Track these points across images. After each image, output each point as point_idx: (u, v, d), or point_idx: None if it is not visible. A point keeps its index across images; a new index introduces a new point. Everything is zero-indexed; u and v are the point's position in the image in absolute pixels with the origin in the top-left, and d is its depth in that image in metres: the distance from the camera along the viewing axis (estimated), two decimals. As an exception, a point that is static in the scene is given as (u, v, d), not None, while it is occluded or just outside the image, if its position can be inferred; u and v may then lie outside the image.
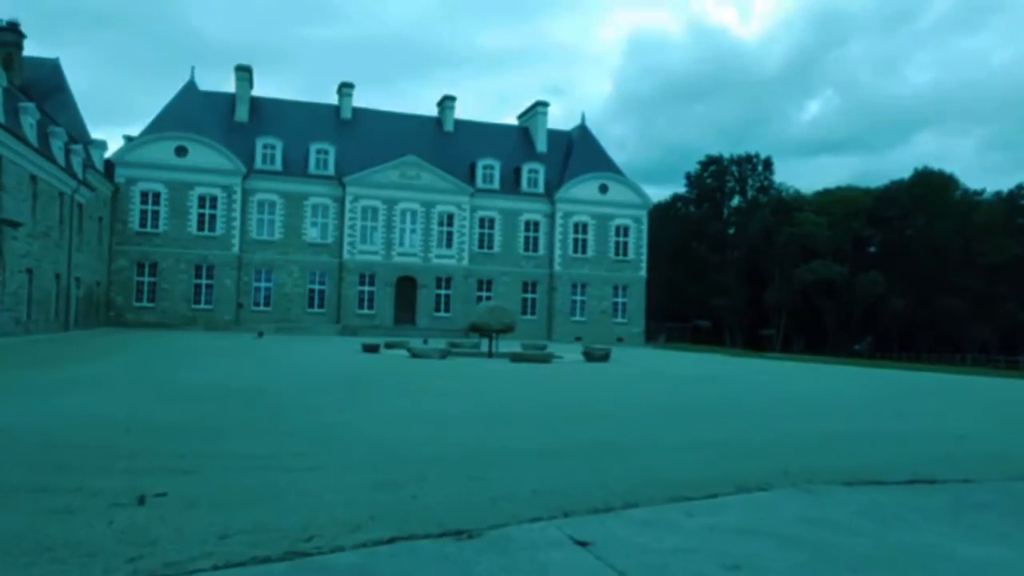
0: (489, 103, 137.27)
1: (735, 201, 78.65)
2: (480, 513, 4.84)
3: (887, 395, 16.94)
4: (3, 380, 13.05)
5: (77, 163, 35.62)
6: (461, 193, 48.71)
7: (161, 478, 5.63)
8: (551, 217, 50.89)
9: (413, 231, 48.25)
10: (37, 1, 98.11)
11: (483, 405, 11.65)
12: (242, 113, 49.14)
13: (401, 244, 47.95)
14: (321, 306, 46.98)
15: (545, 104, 54.89)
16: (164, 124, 45.04)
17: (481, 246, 49.67)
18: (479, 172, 49.88)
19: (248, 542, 4.19)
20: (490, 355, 27.09)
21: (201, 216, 44.90)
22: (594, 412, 11.35)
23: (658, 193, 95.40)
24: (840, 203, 75.32)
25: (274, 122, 48.73)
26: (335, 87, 52.95)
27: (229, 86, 50.24)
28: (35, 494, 5.05)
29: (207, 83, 50.68)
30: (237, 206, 45.42)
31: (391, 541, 4.24)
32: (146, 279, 44.01)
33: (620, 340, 49.51)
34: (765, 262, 72.85)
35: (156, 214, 44.24)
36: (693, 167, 78.93)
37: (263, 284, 46.35)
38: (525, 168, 50.86)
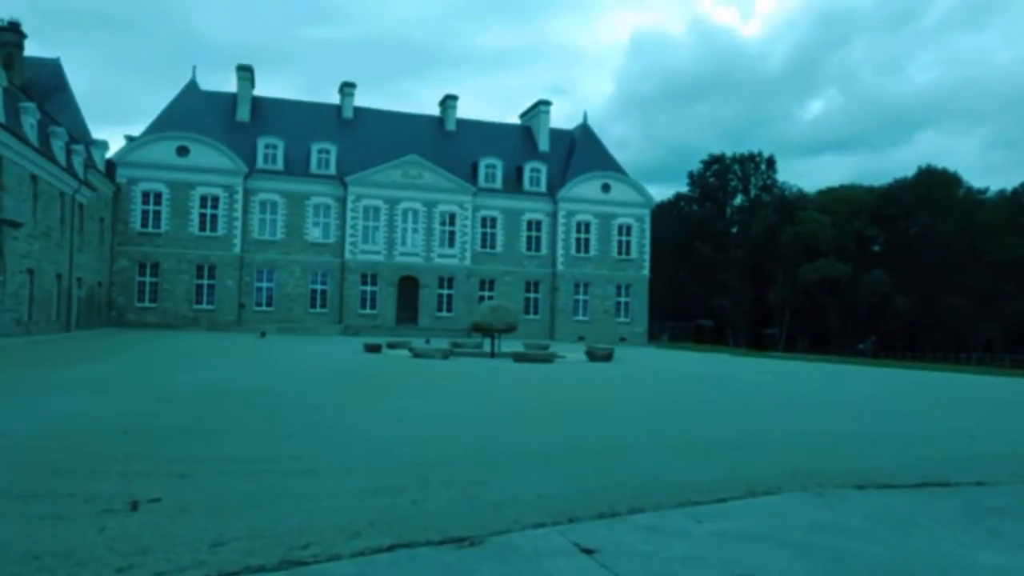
0: (491, 103, 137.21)
1: (738, 200, 78.52)
2: (482, 519, 4.70)
3: (893, 395, 16.78)
4: (0, 381, 12.94)
5: (78, 163, 35.53)
6: (463, 192, 48.58)
7: (156, 482, 5.50)
8: (553, 216, 50.74)
9: (415, 231, 48.13)
10: (39, 1, 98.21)
11: (485, 406, 11.51)
12: (243, 113, 49.05)
13: (403, 244, 47.84)
14: (323, 306, 46.88)
15: (547, 103, 54.73)
16: (165, 124, 44.96)
17: (483, 245, 49.55)
18: (481, 171, 49.75)
19: (242, 550, 4.05)
20: (492, 355, 26.95)
21: (203, 216, 44.82)
22: (598, 413, 11.20)
23: (660, 192, 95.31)
24: (843, 202, 75.13)
25: (276, 122, 48.64)
26: (336, 87, 52.95)
27: (230, 86, 50.26)
28: (25, 500, 4.92)
29: (209, 83, 50.63)
30: (239, 206, 45.34)
31: (390, 549, 4.10)
32: (148, 279, 43.94)
33: (623, 340, 49.37)
34: (768, 261, 72.68)
35: (157, 214, 44.17)
36: (695, 166, 78.91)
37: (265, 284, 46.27)
38: (527, 167, 50.72)
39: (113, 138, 67.99)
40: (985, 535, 4.71)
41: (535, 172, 50.87)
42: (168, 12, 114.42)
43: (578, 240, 51.00)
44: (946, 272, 70.05)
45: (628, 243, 51.94)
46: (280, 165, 46.46)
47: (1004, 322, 70.09)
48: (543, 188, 50.78)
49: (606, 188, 51.56)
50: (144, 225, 43.96)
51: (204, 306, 44.68)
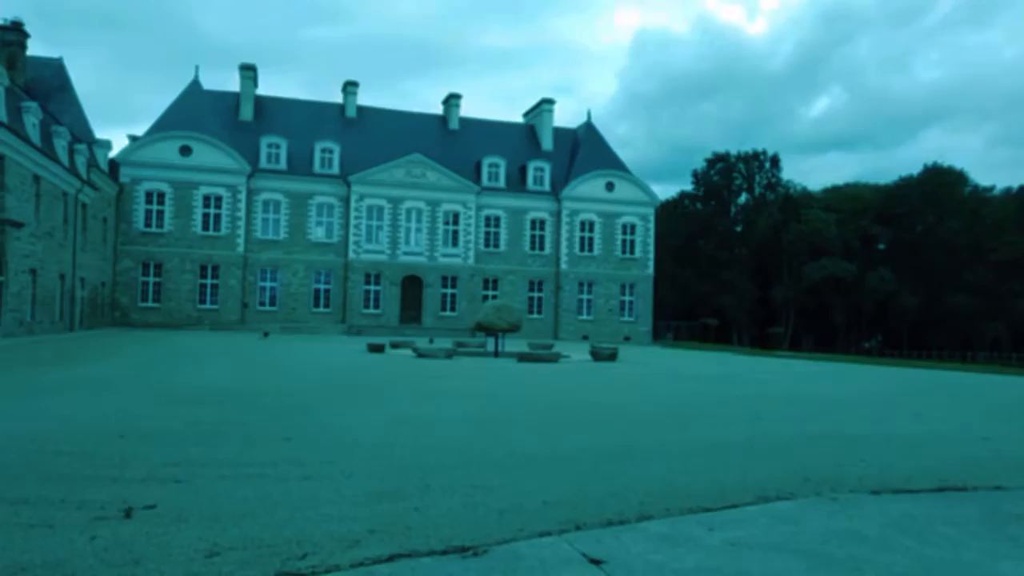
0: (494, 102, 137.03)
1: (742, 198, 78.18)
2: (486, 527, 4.55)
3: (901, 394, 16.58)
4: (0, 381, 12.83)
5: (81, 163, 35.44)
6: (467, 191, 48.42)
7: (151, 488, 5.35)
8: (557, 215, 50.55)
9: (419, 230, 47.98)
10: (42, 2, 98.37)
11: (489, 407, 11.34)
12: (246, 112, 48.93)
13: (407, 243, 47.70)
14: (327, 306, 46.77)
15: (551, 102, 54.52)
16: (168, 123, 44.86)
17: (487, 245, 49.39)
18: (485, 170, 49.58)
19: (237, 560, 3.90)
20: (496, 355, 26.81)
21: (206, 216, 44.72)
22: (603, 414, 11.04)
23: (664, 191, 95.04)
24: (848, 200, 74.84)
25: (279, 121, 48.53)
26: (339, 86, 52.76)
27: (233, 85, 50.11)
28: (15, 506, 4.77)
29: (211, 83, 50.56)
30: (242, 205, 45.24)
31: (391, 559, 3.95)
32: (151, 279, 43.86)
33: (627, 339, 49.20)
34: (773, 260, 72.41)
35: (161, 214, 44.08)
36: (699, 165, 78.56)
37: (268, 284, 46.16)
38: (531, 166, 50.53)
39: (117, 138, 68.20)
40: (1007, 543, 4.54)
41: (539, 171, 50.68)
42: (171, 12, 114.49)
43: (582, 239, 50.81)
44: (952, 270, 69.73)
45: (632, 242, 51.73)
46: (283, 164, 46.34)
47: (1010, 320, 69.73)
48: (547, 187, 50.59)
49: (610, 187, 51.35)
50: (147, 225, 43.87)
51: (207, 306, 44.58)
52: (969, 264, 69.29)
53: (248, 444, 7.34)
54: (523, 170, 50.53)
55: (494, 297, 46.45)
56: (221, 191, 44.94)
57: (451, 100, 54.05)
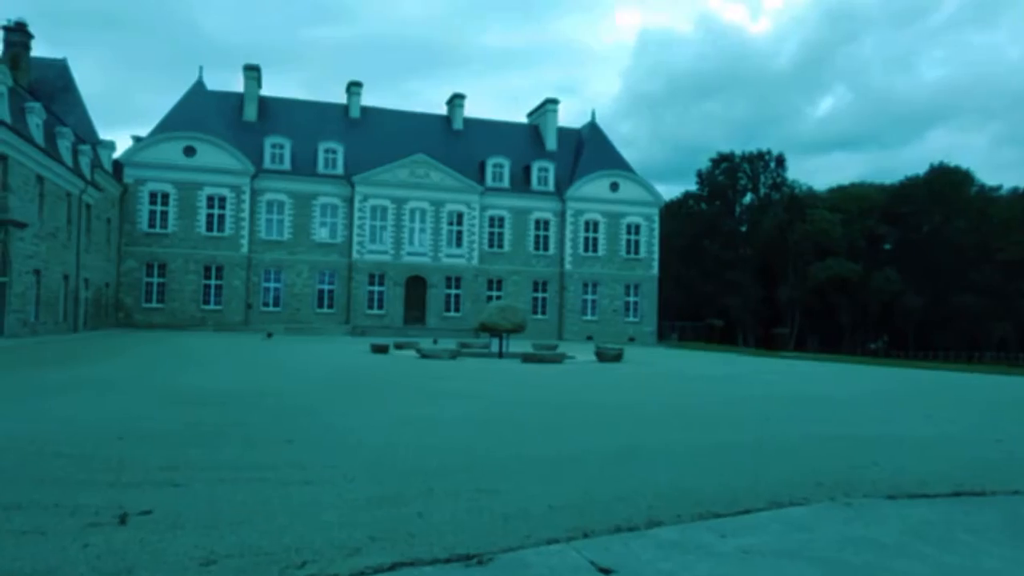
0: (498, 102, 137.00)
1: (747, 198, 77.86)
2: (491, 534, 4.41)
3: (909, 395, 16.40)
4: (1, 382, 12.73)
5: (85, 163, 35.43)
6: (471, 192, 48.31)
7: (148, 492, 5.23)
8: (561, 215, 50.41)
9: (423, 230, 47.88)
10: (46, 3, 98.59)
11: (493, 408, 11.21)
12: (250, 112, 48.90)
13: (411, 243, 47.60)
14: (331, 306, 46.69)
15: (555, 102, 54.39)
16: (172, 124, 44.85)
17: (491, 245, 49.27)
18: (489, 170, 49.46)
19: (234, 568, 3.78)
20: (500, 355, 26.68)
21: (210, 216, 44.68)
22: (609, 415, 10.90)
23: (668, 191, 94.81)
24: (854, 200, 74.48)
25: (282, 121, 48.48)
26: (343, 86, 52.70)
27: (237, 86, 50.08)
28: (7, 512, 4.65)
29: (215, 83, 50.57)
30: (246, 206, 45.19)
31: (393, 568, 3.82)
32: (155, 280, 43.83)
33: (632, 339, 49.03)
34: (778, 260, 72.13)
35: (165, 214, 44.05)
36: (704, 165, 78.28)
37: (272, 284, 46.10)
38: (535, 166, 50.40)
39: (121, 139, 68.28)
40: (1030, 551, 4.39)
41: (543, 171, 50.54)
42: (175, 13, 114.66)
43: (586, 239, 50.65)
44: (958, 270, 69.36)
45: (637, 242, 51.56)
46: (287, 165, 46.29)
47: (1017, 320, 69.37)
48: (551, 187, 50.45)
49: (614, 187, 51.18)
50: (151, 225, 43.84)
51: (211, 307, 44.55)
52: (976, 264, 68.89)
53: (249, 446, 7.22)
54: (527, 170, 50.40)
55: (498, 298, 46.31)
56: (225, 192, 44.90)
57: (455, 100, 53.95)
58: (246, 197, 45.23)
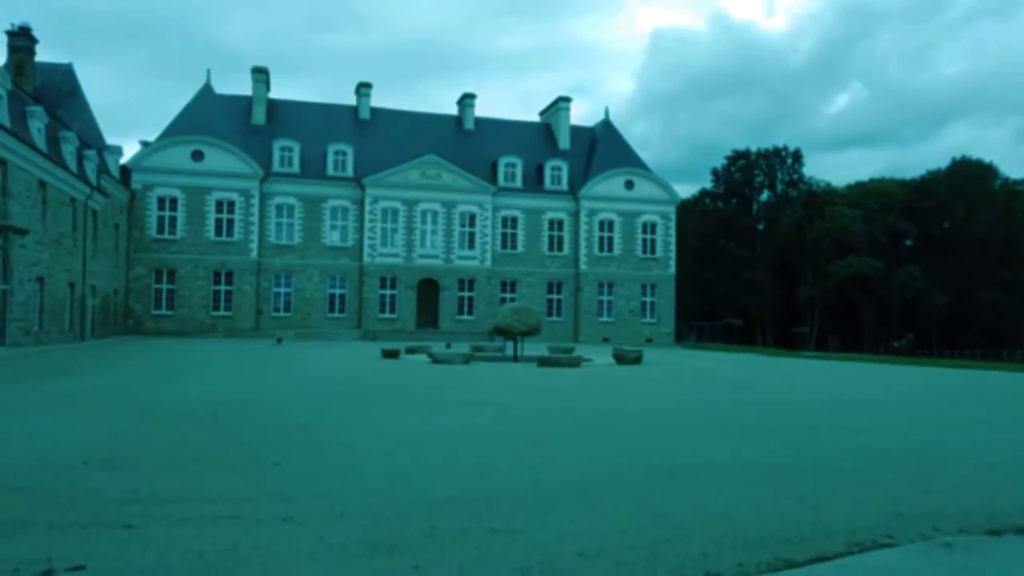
0: (510, 105, 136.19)
1: (764, 196, 76.48)
2: (507, 597, 3.46)
3: (957, 397, 15.29)
4: (-16, 397, 11.93)
5: (90, 169, 34.81)
6: (483, 192, 47.40)
7: (91, 538, 4.32)
8: (575, 215, 49.38)
9: (434, 232, 47.01)
10: (55, 11, 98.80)
11: (508, 421, 10.24)
12: (259, 116, 48.24)
13: (422, 246, 46.73)
14: (342, 311, 45.91)
15: (567, 100, 53.39)
16: (180, 128, 44.25)
17: (504, 246, 48.32)
18: (501, 170, 48.53)
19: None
20: (515, 359, 25.73)
21: (219, 221, 44.01)
22: (637, 427, 9.90)
23: (683, 191, 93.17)
24: (874, 195, 72.94)
25: (291, 124, 47.79)
26: (353, 90, 51.90)
27: (247, 91, 49.36)
28: (-94, 570, 3.76)
29: (225, 89, 49.67)
30: (255, 210, 44.51)
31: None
32: (164, 286, 43.21)
33: (649, 340, 47.90)
34: (797, 258, 70.70)
35: (173, 220, 43.44)
36: (718, 163, 77.09)
37: (283, 289, 45.38)
38: (548, 165, 49.42)
39: (132, 146, 67.60)
40: None
41: (556, 170, 49.55)
42: (186, 21, 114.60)
43: (601, 239, 49.57)
44: (983, 266, 67.65)
45: (653, 241, 50.43)
46: (296, 168, 45.58)
47: (1045, 317, 67.52)
48: (564, 186, 49.44)
49: (629, 185, 50.09)
50: (160, 231, 43.23)
51: (221, 313, 43.88)
52: (1001, 259, 67.16)
53: (229, 471, 6.30)
54: (540, 170, 49.44)
55: (512, 300, 45.32)
56: (234, 196, 44.23)
57: (465, 100, 53.07)
58: (255, 201, 44.54)
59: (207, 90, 46.81)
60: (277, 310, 45.03)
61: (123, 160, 42.30)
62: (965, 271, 68.30)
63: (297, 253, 45.34)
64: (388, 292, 46.27)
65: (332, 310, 45.77)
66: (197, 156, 43.74)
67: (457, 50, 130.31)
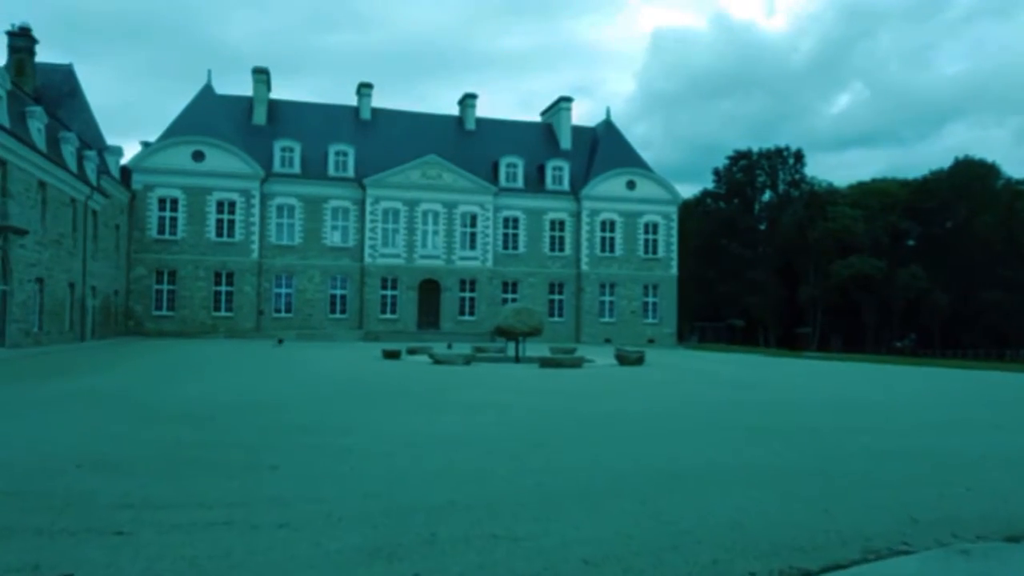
0: (511, 105, 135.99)
1: (766, 196, 76.30)
2: (510, 608, 3.33)
3: (961, 397, 15.13)
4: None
5: (91, 169, 34.72)
6: (484, 192, 47.26)
7: (81, 544, 4.19)
8: (577, 215, 49.23)
9: (435, 233, 46.88)
10: (56, 11, 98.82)
11: (510, 422, 10.10)
12: (260, 116, 48.14)
13: (424, 246, 46.60)
14: (343, 311, 45.79)
15: (569, 99, 53.24)
16: (181, 129, 44.15)
17: (506, 247, 48.18)
18: (502, 170, 48.40)
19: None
20: (517, 360, 25.59)
21: (220, 221, 43.90)
22: (641, 428, 9.77)
23: (684, 191, 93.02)
24: (876, 195, 72.72)
25: (292, 124, 47.67)
26: (354, 91, 51.77)
27: (247, 91, 49.23)
28: None
29: (225, 90, 49.42)
30: (256, 211, 44.39)
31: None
32: (165, 287, 43.11)
33: (651, 341, 47.73)
34: (799, 258, 70.53)
35: (174, 220, 43.33)
36: (719, 163, 76.89)
37: (284, 290, 45.26)
38: (549, 165, 49.28)
39: (132, 147, 67.22)
40: None
41: (557, 170, 49.40)
42: (186, 21, 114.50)
43: (603, 239, 49.42)
44: (985, 266, 67.43)
45: (655, 241, 50.26)
46: (297, 168, 45.47)
47: (1049, 317, 67.26)
48: (566, 187, 49.30)
49: (631, 185, 49.94)
50: (161, 232, 43.12)
51: (222, 313, 43.76)
52: (1004, 259, 66.95)
53: (225, 475, 6.17)
54: (541, 170, 49.31)
55: (513, 300, 45.15)
56: (235, 196, 44.12)
57: (467, 100, 52.94)
58: (256, 202, 44.43)
59: (208, 90, 46.71)
60: (278, 311, 44.92)
61: (123, 161, 42.22)
62: (968, 271, 68.11)
63: (298, 254, 45.22)
64: (389, 293, 46.14)
65: (333, 311, 45.65)
66: (198, 156, 43.64)
67: (458, 50, 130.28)
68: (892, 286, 66.96)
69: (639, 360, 24.90)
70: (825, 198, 72.27)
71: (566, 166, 49.51)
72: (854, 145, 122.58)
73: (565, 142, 52.26)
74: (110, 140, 40.84)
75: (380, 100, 52.33)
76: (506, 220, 48.31)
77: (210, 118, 44.91)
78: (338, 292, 45.97)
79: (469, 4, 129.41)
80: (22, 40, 36.13)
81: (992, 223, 67.75)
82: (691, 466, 6.93)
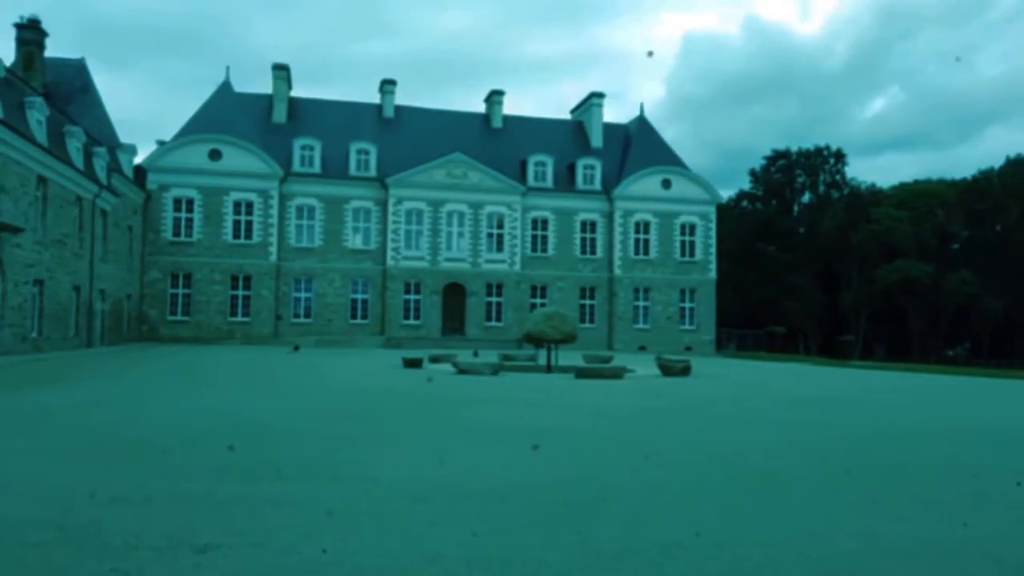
0: (538, 111, 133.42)
1: (805, 197, 73.16)
2: None
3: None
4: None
5: (100, 166, 33.06)
6: (512, 192, 45.01)
7: None
8: (609, 216, 46.78)
9: (461, 234, 44.70)
10: (78, 13, 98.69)
11: (550, 459, 7.75)
12: (280, 114, 46.41)
13: (448, 248, 44.45)
14: (364, 317, 43.76)
15: (600, 95, 50.88)
16: (197, 127, 42.52)
17: (534, 249, 45.84)
18: (530, 169, 46.12)
19: None
20: (549, 369, 23.27)
21: (237, 223, 42.15)
22: (727, 469, 7.38)
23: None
24: (922, 196, 69.24)
25: (313, 122, 45.86)
26: (376, 92, 49.90)
27: (267, 91, 47.46)
28: None
29: (244, 90, 47.60)
30: (274, 212, 42.59)
31: None
32: (180, 291, 41.42)
33: (688, 349, 45.04)
34: (841, 262, 67.30)
35: (190, 221, 41.65)
36: (753, 166, 73.88)
37: (303, 294, 43.37)
38: (580, 164, 46.90)
39: (150, 148, 65.53)
40: None
41: (588, 169, 47.00)
42: (212, 32, 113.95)
43: (637, 241, 46.88)
44: (1041, 270, 63.67)
45: (692, 243, 47.61)
46: (317, 167, 43.61)
47: (1109, 324, 63.34)
48: (597, 186, 46.88)
49: (666, 184, 47.39)
50: (176, 234, 41.45)
51: (239, 318, 41.95)
52: (1061, 263, 63.15)
53: (122, 557, 3.92)
54: (571, 169, 46.97)
55: (542, 305, 42.78)
56: (252, 196, 42.37)
57: (493, 97, 50.77)
58: (274, 202, 42.64)
59: (226, 88, 45.09)
60: (297, 316, 43.04)
61: (138, 160, 40.67)
62: (1020, 275, 64.39)
63: (318, 256, 43.33)
64: (412, 297, 44.05)
65: (354, 316, 43.66)
66: (215, 155, 41.98)
67: (484, 57, 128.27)
68: (940, 291, 63.47)
69: (685, 371, 22.46)
70: (868, 199, 69.03)
71: (598, 165, 47.11)
72: (889, 149, 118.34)
73: (596, 140, 49.89)
74: (127, 142, 39.19)
75: (404, 102, 50.29)
76: (534, 221, 46.02)
77: (228, 116, 43.24)
78: (359, 296, 43.99)
79: (496, 11, 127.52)
80: (31, 33, 34.75)
81: (1048, 225, 64.00)
82: (856, 549, 4.56)
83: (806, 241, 70.50)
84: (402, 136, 46.69)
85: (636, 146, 48.68)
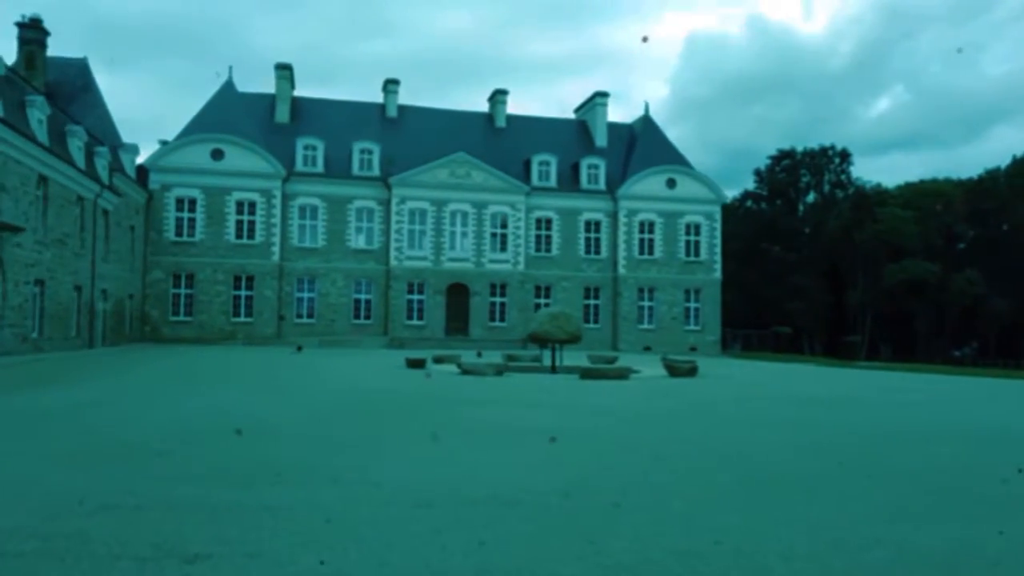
0: (542, 111, 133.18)
1: (810, 197, 72.77)
2: None
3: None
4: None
5: (102, 166, 32.88)
6: (515, 192, 44.76)
7: None
8: (614, 216, 46.48)
9: (464, 234, 44.46)
10: (80, 12, 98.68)
11: (559, 462, 7.50)
12: (282, 114, 46.20)
13: (452, 248, 44.20)
14: (367, 317, 43.52)
15: (605, 95, 50.61)
16: (200, 126, 42.33)
17: (538, 249, 45.58)
18: (534, 169, 45.86)
19: None
20: (554, 370, 22.99)
21: (239, 223, 41.94)
22: (747, 473, 7.11)
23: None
24: (928, 196, 68.77)
25: (316, 122, 45.64)
26: (380, 92, 49.63)
27: (270, 91, 47.29)
28: None
29: (247, 91, 47.34)
30: (277, 211, 42.37)
31: None
32: (182, 291, 41.22)
33: (693, 349, 44.73)
34: (846, 262, 66.89)
35: (192, 222, 41.45)
36: (756, 167, 73.57)
37: (306, 295, 43.14)
38: (584, 164, 46.62)
39: (152, 148, 65.34)
40: None
41: (593, 168, 46.72)
42: (215, 34, 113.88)
43: (641, 241, 46.58)
44: (1049, 270, 63.20)
45: (697, 243, 47.29)
46: (320, 167, 43.38)
47: (1117, 325, 62.84)
48: (602, 185, 46.60)
49: (671, 183, 47.09)
50: (178, 234, 41.25)
51: (242, 319, 41.73)
52: (1068, 263, 62.68)
53: (109, 571, 3.67)
54: (575, 168, 46.69)
55: (546, 305, 42.50)
56: (255, 196, 42.16)
57: (496, 96, 50.53)
58: (277, 202, 42.42)
59: (228, 87, 44.90)
60: (300, 316, 42.81)
61: (140, 159, 40.49)
62: (1026, 276, 63.94)
63: (321, 256, 43.11)
64: (415, 297, 43.81)
65: (357, 316, 43.43)
66: (217, 155, 41.78)
67: (487, 56, 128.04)
68: (946, 292, 63.04)
69: (692, 371, 22.18)
70: (873, 199, 68.61)
71: (602, 164, 46.83)
72: (893, 148, 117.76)
73: (600, 139, 49.60)
74: (121, 134, 39.02)
75: (408, 102, 50.05)
76: (538, 221, 45.75)
77: (230, 115, 43.05)
78: (362, 297, 43.76)
79: (499, 11, 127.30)
80: (32, 32, 34.52)
81: (1055, 224, 63.53)
82: (895, 561, 4.28)
83: (811, 241, 70.14)
84: (405, 136, 46.46)
85: (641, 145, 48.39)
